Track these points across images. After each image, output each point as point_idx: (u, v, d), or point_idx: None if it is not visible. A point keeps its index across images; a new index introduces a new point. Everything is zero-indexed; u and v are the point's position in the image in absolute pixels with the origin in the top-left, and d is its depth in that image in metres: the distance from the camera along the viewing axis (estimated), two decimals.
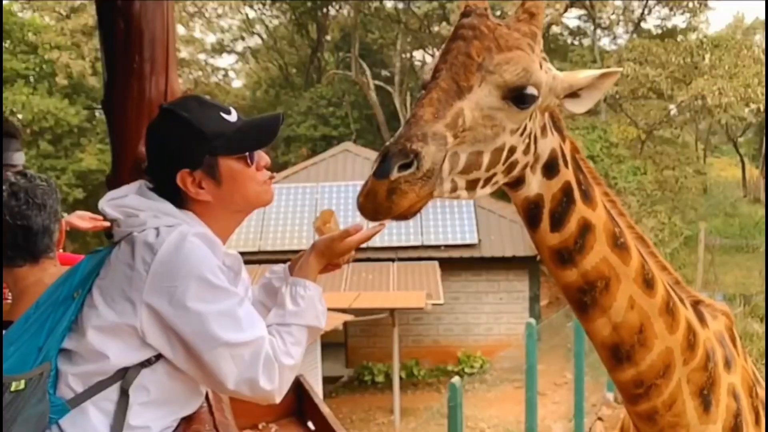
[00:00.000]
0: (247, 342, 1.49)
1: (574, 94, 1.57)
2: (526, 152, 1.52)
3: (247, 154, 1.60)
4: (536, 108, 1.51)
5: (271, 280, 1.88)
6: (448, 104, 1.40)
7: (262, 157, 1.63)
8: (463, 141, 1.41)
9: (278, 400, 1.56)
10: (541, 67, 1.51)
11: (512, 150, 1.48)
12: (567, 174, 1.62)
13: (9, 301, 1.89)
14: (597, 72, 1.56)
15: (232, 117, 1.61)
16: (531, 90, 1.45)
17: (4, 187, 1.76)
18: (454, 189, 1.45)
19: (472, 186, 1.48)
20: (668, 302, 1.73)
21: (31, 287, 1.78)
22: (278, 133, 1.66)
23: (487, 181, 1.50)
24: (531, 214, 1.64)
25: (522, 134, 1.49)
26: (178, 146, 1.56)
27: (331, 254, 1.72)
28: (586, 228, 1.63)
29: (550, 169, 1.60)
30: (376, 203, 1.35)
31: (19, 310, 1.73)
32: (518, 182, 1.60)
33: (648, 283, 1.70)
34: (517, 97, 1.44)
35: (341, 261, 1.79)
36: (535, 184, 1.61)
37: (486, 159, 1.45)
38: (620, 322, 1.68)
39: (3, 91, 19.44)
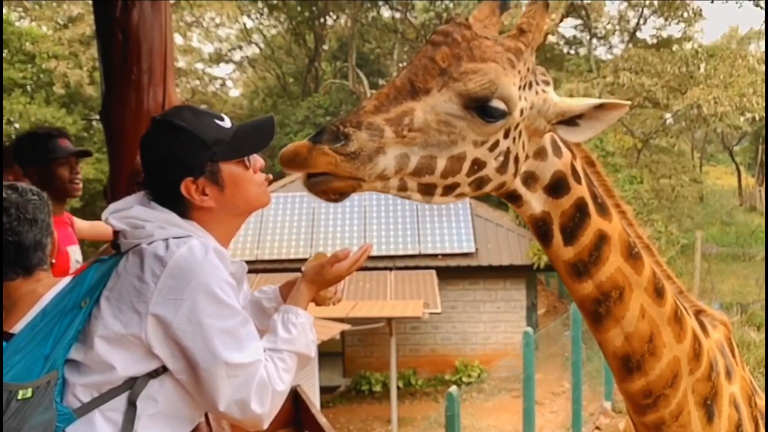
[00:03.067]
0: (244, 364, 1.50)
1: (572, 122, 1.51)
2: (501, 171, 1.48)
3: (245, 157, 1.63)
4: (513, 126, 1.47)
5: (260, 299, 1.90)
6: (396, 101, 1.40)
7: (256, 160, 1.66)
8: (413, 142, 1.39)
9: (266, 425, 1.56)
10: (530, 86, 1.48)
11: (479, 163, 1.45)
12: (580, 190, 1.60)
13: None
14: (595, 101, 1.50)
15: (226, 123, 1.64)
16: (497, 103, 1.41)
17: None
18: (404, 189, 1.44)
19: (426, 190, 1.45)
20: (676, 311, 1.74)
21: (24, 297, 1.79)
22: (274, 135, 1.69)
23: (448, 189, 1.47)
24: (540, 231, 1.63)
25: (492, 150, 1.45)
26: (180, 156, 1.58)
27: (321, 282, 1.73)
28: (602, 240, 1.63)
29: (556, 189, 1.59)
30: (296, 152, 1.37)
31: (12, 321, 1.74)
32: (513, 198, 1.59)
33: (659, 293, 1.70)
34: (481, 108, 1.41)
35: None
36: (536, 203, 1.59)
37: (440, 164, 1.42)
38: (632, 331, 1.68)
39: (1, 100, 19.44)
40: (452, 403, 5.56)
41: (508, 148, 1.47)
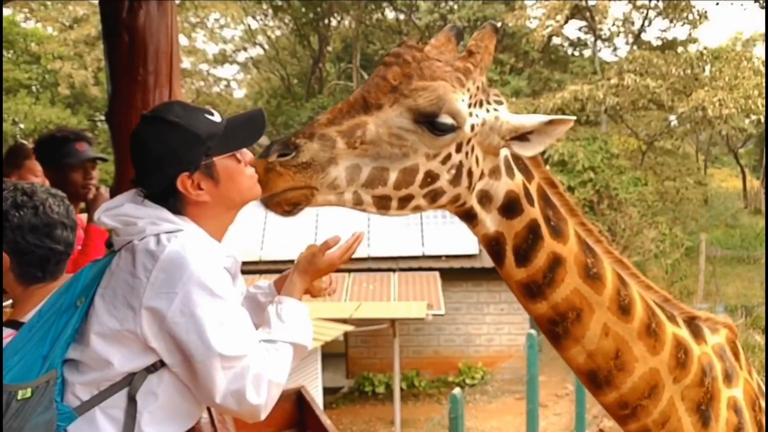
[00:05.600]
0: (239, 356, 1.50)
1: (523, 137, 1.59)
2: (454, 184, 1.55)
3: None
4: (465, 141, 1.54)
5: (256, 294, 1.91)
6: (349, 115, 1.49)
7: (245, 153, 1.67)
8: (365, 154, 1.47)
9: (263, 416, 1.56)
10: (481, 104, 1.56)
11: (431, 176, 1.52)
12: (532, 212, 1.65)
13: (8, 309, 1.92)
14: (545, 118, 1.58)
15: (216, 117, 1.65)
16: (445, 118, 1.50)
17: (56, 227, 1.79)
18: (359, 202, 1.52)
19: (381, 203, 1.53)
20: (649, 324, 1.74)
21: (40, 293, 1.82)
22: (265, 128, 1.71)
23: (403, 201, 1.54)
24: (493, 250, 1.68)
25: (444, 163, 1.53)
26: (175, 151, 1.58)
27: (314, 271, 1.74)
28: (556, 262, 1.66)
29: (509, 209, 1.64)
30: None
31: (24, 310, 1.77)
32: (469, 217, 1.64)
33: (624, 309, 1.71)
34: (431, 123, 1.49)
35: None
36: (490, 223, 1.65)
37: (392, 176, 1.50)
38: (594, 349, 1.71)
39: (5, 101, 19.50)
40: (456, 404, 5.56)
41: (461, 161, 1.55)
